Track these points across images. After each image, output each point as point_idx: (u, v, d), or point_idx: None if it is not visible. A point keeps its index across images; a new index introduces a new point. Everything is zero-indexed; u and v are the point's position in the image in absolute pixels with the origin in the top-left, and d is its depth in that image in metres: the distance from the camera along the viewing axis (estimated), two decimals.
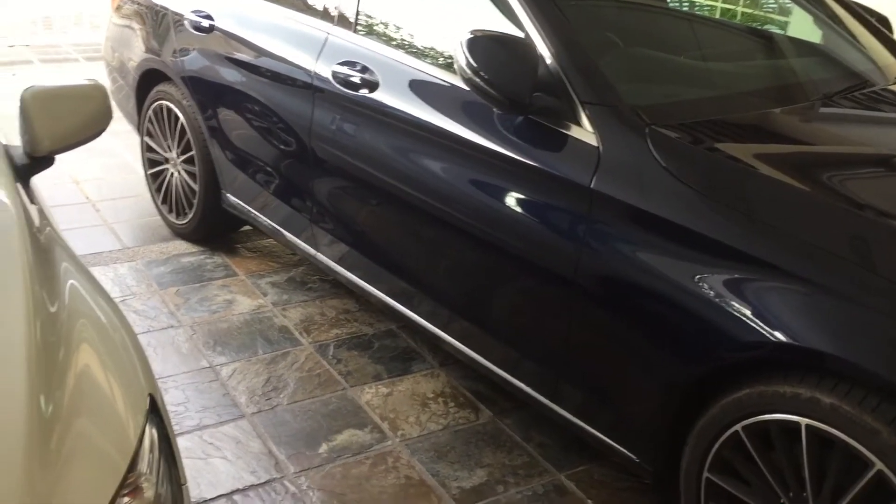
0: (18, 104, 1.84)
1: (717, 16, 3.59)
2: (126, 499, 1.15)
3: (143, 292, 3.29)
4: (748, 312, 1.79)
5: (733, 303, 1.81)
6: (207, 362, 2.86)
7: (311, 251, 3.08)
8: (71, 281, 1.48)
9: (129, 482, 1.16)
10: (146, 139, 3.84)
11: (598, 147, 2.08)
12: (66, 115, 1.89)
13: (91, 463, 1.15)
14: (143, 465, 1.22)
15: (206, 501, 2.24)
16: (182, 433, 2.49)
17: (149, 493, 1.19)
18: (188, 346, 2.95)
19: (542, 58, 2.21)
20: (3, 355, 1.18)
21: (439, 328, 2.62)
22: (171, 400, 2.64)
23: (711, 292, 1.85)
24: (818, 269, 1.75)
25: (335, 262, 2.98)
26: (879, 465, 1.63)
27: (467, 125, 2.37)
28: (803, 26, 3.15)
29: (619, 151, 2.07)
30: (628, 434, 2.15)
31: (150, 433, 1.27)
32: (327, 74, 2.77)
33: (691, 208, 1.93)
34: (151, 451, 1.26)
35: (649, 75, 2.47)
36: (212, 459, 2.40)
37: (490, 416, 2.68)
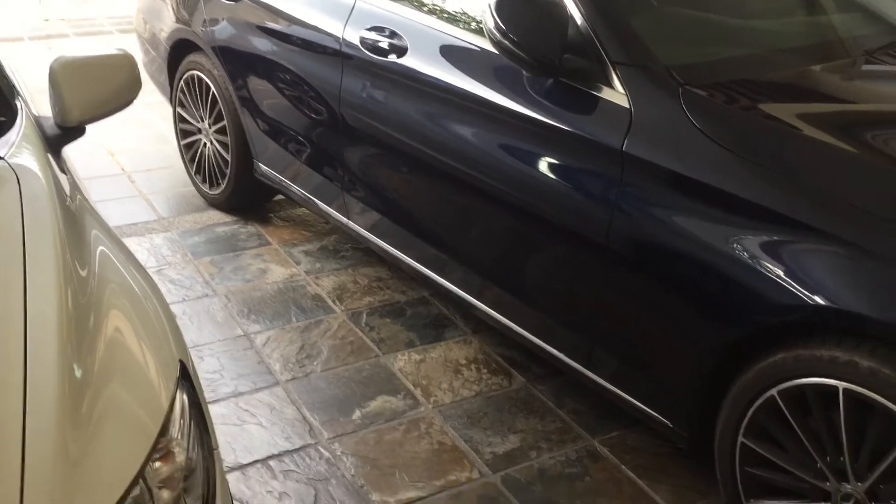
0: (48, 75, 1.85)
1: None
2: (157, 463, 1.17)
3: (179, 262, 3.32)
4: (786, 275, 1.75)
5: (771, 266, 1.77)
6: (242, 330, 2.89)
7: (343, 219, 3.08)
8: (101, 248, 1.49)
9: (160, 447, 1.17)
10: (178, 110, 3.85)
11: (629, 109, 2.04)
12: (96, 84, 1.90)
13: (122, 427, 1.16)
14: (175, 431, 1.23)
15: (241, 467, 2.27)
16: (217, 400, 2.53)
17: (180, 457, 1.21)
18: (223, 314, 2.98)
19: (571, 18, 2.16)
20: (34, 321, 1.20)
21: (472, 295, 2.61)
22: (207, 368, 2.67)
23: (748, 255, 1.81)
24: (858, 230, 1.71)
25: (367, 231, 2.98)
26: None
27: (497, 89, 2.34)
28: None
29: (652, 113, 2.02)
30: (663, 400, 2.13)
31: (181, 399, 1.28)
32: (355, 41, 2.75)
33: (726, 170, 1.89)
34: (182, 416, 1.27)
35: (682, 34, 2.40)
36: (247, 426, 2.43)
37: (523, 383, 2.68)
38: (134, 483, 1.10)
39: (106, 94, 1.90)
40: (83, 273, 1.36)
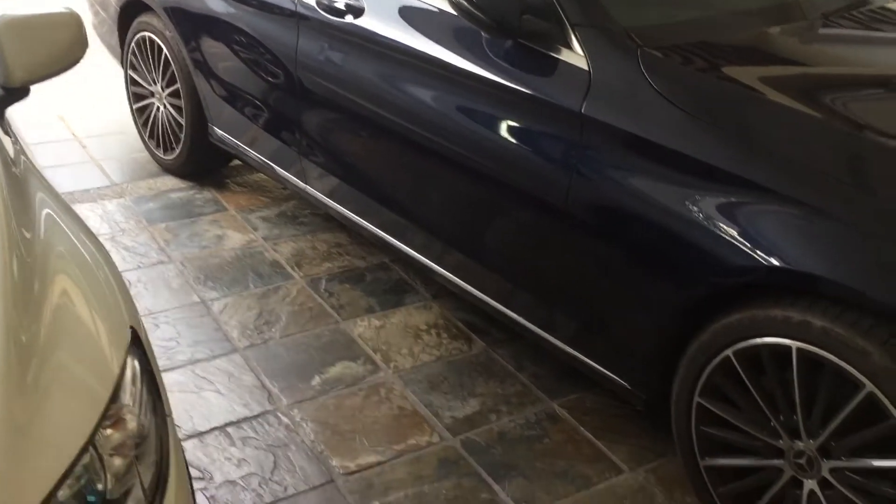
0: None
1: None
2: (109, 430, 1.14)
3: (133, 229, 3.26)
4: (742, 237, 1.76)
5: (727, 228, 1.78)
6: (198, 297, 2.85)
7: (302, 185, 3.04)
8: (47, 212, 1.45)
9: (111, 414, 1.15)
10: (130, 73, 3.75)
11: (588, 71, 2.03)
12: (40, 44, 1.83)
13: (71, 394, 1.13)
14: (126, 397, 1.20)
15: (199, 434, 2.25)
16: (174, 368, 2.49)
17: (131, 424, 1.18)
18: (179, 281, 2.93)
19: None
20: None
21: (432, 260, 2.60)
22: (163, 335, 2.63)
23: (704, 217, 1.82)
24: (812, 191, 1.72)
25: (326, 196, 2.95)
26: (870, 386, 1.63)
27: (456, 51, 2.30)
28: None
29: (610, 75, 2.01)
30: (621, 362, 2.14)
31: (132, 365, 1.26)
32: (311, 1, 2.69)
33: (684, 132, 1.89)
34: (134, 383, 1.24)
35: None
36: (204, 393, 2.40)
37: (483, 347, 2.68)
38: (84, 450, 1.07)
39: (50, 53, 1.83)
40: (28, 237, 1.32)
